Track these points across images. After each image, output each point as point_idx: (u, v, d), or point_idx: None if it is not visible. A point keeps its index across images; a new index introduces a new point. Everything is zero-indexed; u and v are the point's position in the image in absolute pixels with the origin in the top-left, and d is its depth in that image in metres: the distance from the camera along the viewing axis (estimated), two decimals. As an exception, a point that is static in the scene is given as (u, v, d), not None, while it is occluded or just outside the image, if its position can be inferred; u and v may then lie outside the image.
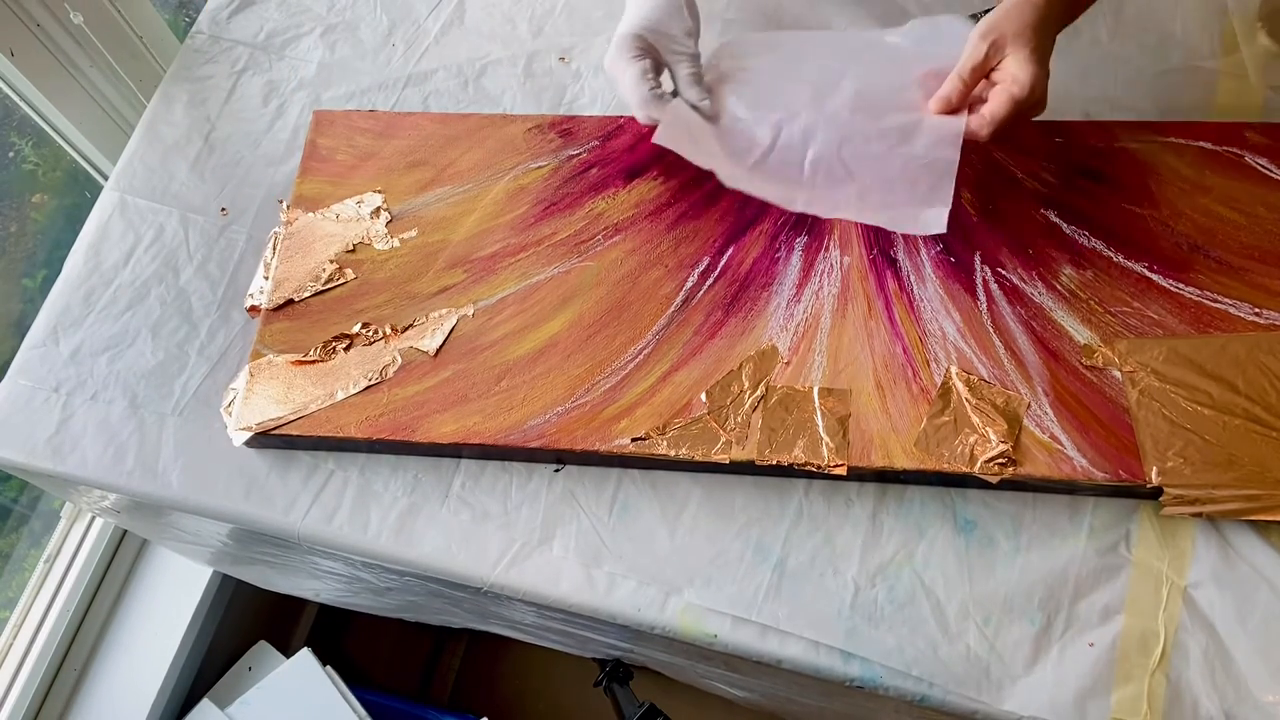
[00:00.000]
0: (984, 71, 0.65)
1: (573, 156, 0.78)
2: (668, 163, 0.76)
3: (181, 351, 0.74)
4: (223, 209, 0.81)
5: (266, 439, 0.68)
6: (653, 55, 0.69)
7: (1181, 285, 0.69)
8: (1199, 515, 0.62)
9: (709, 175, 0.76)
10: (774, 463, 0.63)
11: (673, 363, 0.68)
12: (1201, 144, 0.74)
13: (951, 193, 0.66)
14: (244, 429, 0.67)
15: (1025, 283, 0.70)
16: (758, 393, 0.66)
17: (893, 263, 0.71)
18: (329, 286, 0.73)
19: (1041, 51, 0.63)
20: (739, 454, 0.64)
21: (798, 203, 0.70)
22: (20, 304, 1.01)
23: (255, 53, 0.90)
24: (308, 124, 0.83)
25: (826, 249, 0.71)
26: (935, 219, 0.66)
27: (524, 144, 0.79)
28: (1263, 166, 0.73)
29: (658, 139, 0.69)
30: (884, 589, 0.62)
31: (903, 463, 0.63)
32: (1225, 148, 0.74)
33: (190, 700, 1.08)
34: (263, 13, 0.92)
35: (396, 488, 0.68)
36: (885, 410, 0.65)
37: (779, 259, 0.72)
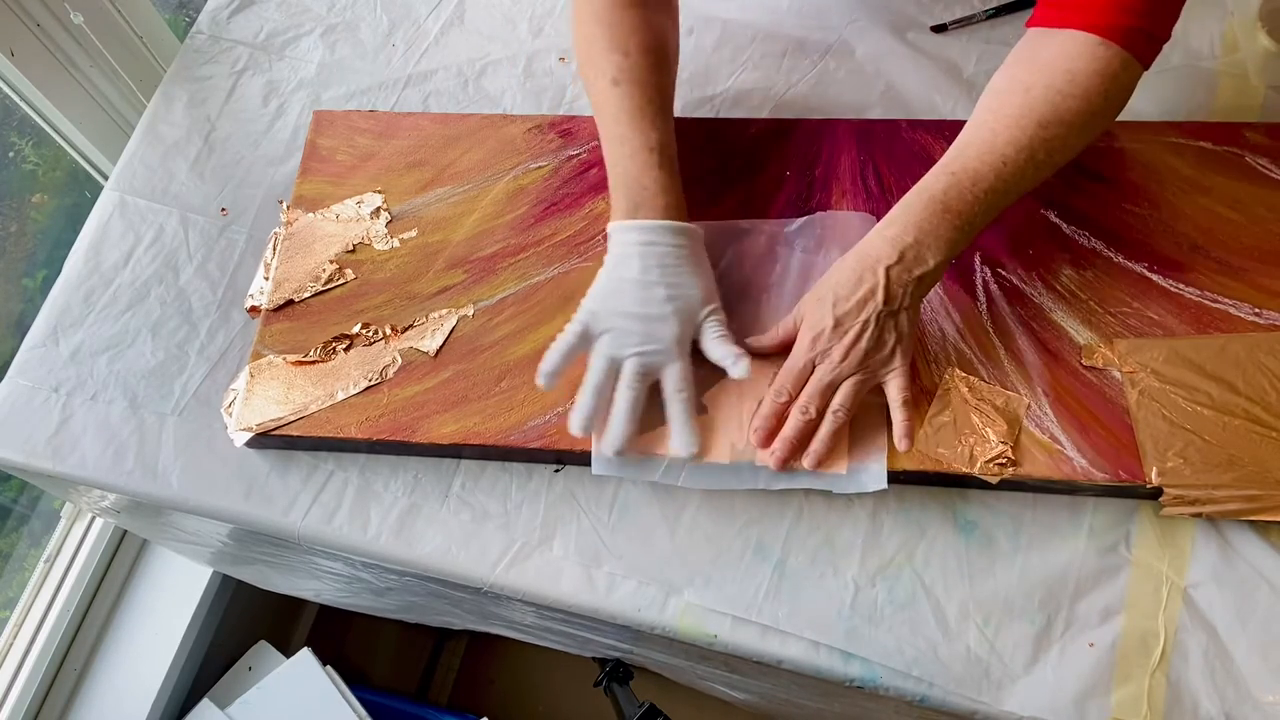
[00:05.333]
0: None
1: (572, 157, 0.78)
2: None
3: (181, 351, 0.74)
4: (223, 209, 0.81)
5: (266, 439, 0.68)
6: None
7: (1181, 285, 0.69)
8: (1199, 515, 0.62)
9: (708, 177, 0.76)
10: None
11: (673, 363, 0.68)
12: (1201, 144, 0.74)
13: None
14: (244, 429, 0.67)
15: (1025, 283, 0.70)
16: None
17: (893, 263, 0.71)
18: (329, 287, 0.73)
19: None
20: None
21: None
22: (20, 304, 1.01)
23: (255, 53, 0.90)
24: (308, 124, 0.83)
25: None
26: (876, 476, 0.62)
27: (524, 144, 0.79)
28: (1263, 166, 0.73)
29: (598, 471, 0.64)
30: (884, 589, 0.62)
31: (903, 463, 0.63)
32: (1225, 148, 0.74)
33: (190, 700, 1.09)
34: (263, 13, 0.92)
35: (396, 488, 0.68)
36: (885, 411, 0.65)
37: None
